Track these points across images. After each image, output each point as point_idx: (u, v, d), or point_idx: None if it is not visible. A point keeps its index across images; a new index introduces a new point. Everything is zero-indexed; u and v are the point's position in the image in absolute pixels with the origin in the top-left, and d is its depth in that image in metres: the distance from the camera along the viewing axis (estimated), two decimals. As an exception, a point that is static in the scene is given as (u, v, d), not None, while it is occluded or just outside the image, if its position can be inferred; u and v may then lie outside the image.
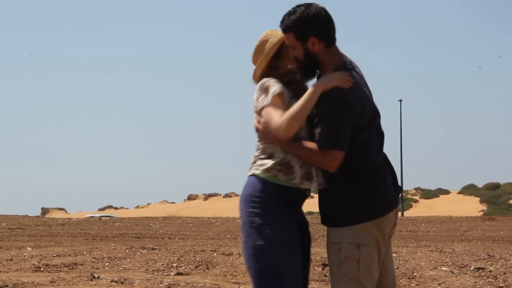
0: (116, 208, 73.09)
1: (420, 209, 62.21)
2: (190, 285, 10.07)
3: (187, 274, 11.57)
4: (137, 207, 76.48)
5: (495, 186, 74.02)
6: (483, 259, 14.03)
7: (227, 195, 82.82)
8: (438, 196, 72.13)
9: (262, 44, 4.71)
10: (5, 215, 34.93)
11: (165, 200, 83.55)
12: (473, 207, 59.50)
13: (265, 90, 4.52)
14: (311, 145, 4.39)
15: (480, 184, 75.76)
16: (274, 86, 4.51)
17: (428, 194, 73.82)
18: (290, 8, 4.59)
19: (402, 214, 43.87)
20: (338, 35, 4.58)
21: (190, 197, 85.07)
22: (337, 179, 4.44)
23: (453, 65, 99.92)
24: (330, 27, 4.55)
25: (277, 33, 4.73)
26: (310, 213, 45.51)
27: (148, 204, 78.83)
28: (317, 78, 4.61)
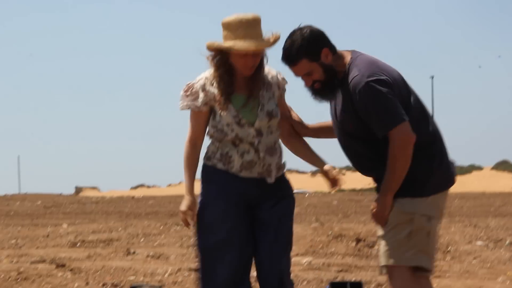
0: (148, 187, 73.50)
1: (454, 185, 61.85)
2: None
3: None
4: (169, 185, 76.80)
5: (529, 162, 73.43)
6: (518, 233, 14.02)
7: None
8: (471, 173, 71.61)
9: (247, 22, 4.71)
10: (40, 193, 35.33)
11: (197, 179, 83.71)
12: (507, 183, 59.01)
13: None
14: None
15: (514, 160, 75.16)
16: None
17: (461, 170, 73.26)
18: (284, 43, 4.60)
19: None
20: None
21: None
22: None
23: (485, 40, 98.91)
24: (326, 35, 4.61)
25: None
26: (353, 190, 45.54)
27: (180, 182, 79.19)
28: (335, 89, 4.62)
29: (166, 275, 8.31)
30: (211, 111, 4.76)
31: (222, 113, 4.71)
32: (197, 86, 4.74)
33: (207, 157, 4.78)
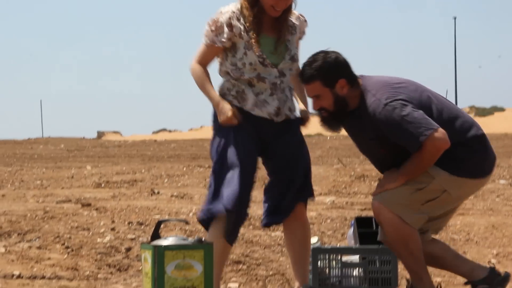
0: (170, 131, 73.73)
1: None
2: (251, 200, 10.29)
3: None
4: (191, 129, 76.99)
5: (552, 102, 73.04)
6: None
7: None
8: (493, 114, 71.17)
9: None
10: (63, 137, 35.56)
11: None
12: (530, 124, 58.68)
13: None
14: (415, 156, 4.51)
15: (536, 100, 74.78)
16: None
17: (483, 112, 72.87)
18: (306, 59, 4.67)
19: (457, 132, 43.60)
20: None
21: None
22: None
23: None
24: (351, 67, 4.67)
25: None
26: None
27: (201, 126, 79.32)
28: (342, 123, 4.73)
29: (191, 214, 8.44)
30: (231, 47, 4.80)
31: (247, 52, 4.75)
32: (222, 20, 4.77)
33: (221, 94, 4.84)
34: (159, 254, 4.30)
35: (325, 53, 4.65)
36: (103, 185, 12.22)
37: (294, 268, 4.94)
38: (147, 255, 4.39)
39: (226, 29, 4.76)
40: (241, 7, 4.79)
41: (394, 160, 4.62)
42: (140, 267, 6.04)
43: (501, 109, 73.87)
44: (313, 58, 4.65)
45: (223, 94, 4.84)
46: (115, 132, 69.19)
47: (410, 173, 4.54)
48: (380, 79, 4.66)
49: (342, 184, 12.57)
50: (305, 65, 4.67)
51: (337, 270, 5.38)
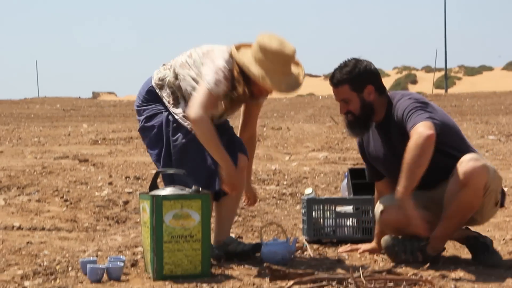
0: (164, 91, 73.65)
1: (464, 86, 61.61)
2: (243, 155, 10.40)
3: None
4: (185, 90, 76.98)
5: (542, 62, 73.22)
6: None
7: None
8: (482, 73, 71.28)
9: (286, 57, 4.78)
10: (58, 97, 35.55)
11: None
12: (517, 83, 58.79)
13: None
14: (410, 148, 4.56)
15: (524, 60, 74.94)
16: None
17: (472, 71, 72.99)
18: (338, 65, 4.81)
19: (446, 91, 43.68)
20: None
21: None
22: None
23: None
24: (380, 77, 4.84)
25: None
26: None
27: (195, 87, 79.29)
28: (366, 129, 4.86)
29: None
30: None
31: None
32: (228, 75, 4.79)
33: (160, 84, 4.92)
34: (157, 204, 4.41)
35: (356, 60, 4.83)
36: (99, 142, 12.31)
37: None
38: (146, 205, 4.51)
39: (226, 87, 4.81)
40: (233, 71, 4.80)
41: (436, 167, 4.72)
42: (138, 219, 6.17)
43: (490, 68, 73.95)
44: (344, 63, 4.83)
45: (161, 85, 4.90)
46: (110, 93, 69.17)
47: (407, 177, 4.56)
48: (409, 93, 4.87)
49: (335, 140, 12.70)
50: (336, 69, 4.84)
51: (331, 220, 5.53)
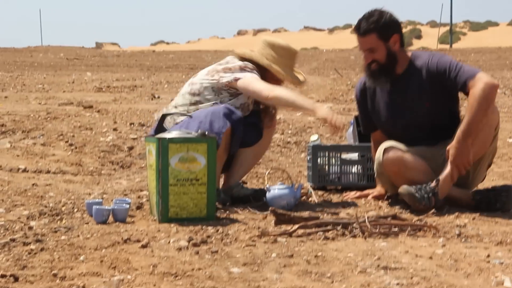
0: (167, 43, 73.54)
1: (469, 41, 61.41)
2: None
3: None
4: (188, 42, 76.83)
5: (547, 17, 73.09)
6: (535, 82, 14.15)
7: (276, 30, 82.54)
8: (487, 29, 70.99)
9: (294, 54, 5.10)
10: (62, 46, 35.44)
11: (215, 36, 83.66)
12: (524, 39, 58.59)
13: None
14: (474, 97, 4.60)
15: (532, 15, 74.79)
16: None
17: (477, 26, 72.68)
18: (362, 15, 4.87)
19: (451, 46, 43.52)
20: None
21: (240, 33, 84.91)
22: None
23: None
24: (401, 27, 4.91)
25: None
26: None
27: (198, 39, 79.13)
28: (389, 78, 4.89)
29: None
30: None
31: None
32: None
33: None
34: (163, 147, 4.41)
35: (381, 10, 4.89)
36: (104, 89, 12.30)
37: None
38: (152, 148, 4.51)
39: None
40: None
41: (433, 120, 4.74)
42: (143, 164, 6.19)
43: (495, 24, 73.67)
44: (369, 13, 4.89)
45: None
46: (113, 44, 69.09)
47: (471, 127, 4.62)
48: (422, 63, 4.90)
49: (339, 92, 12.68)
50: (361, 19, 4.89)
51: (336, 167, 5.53)
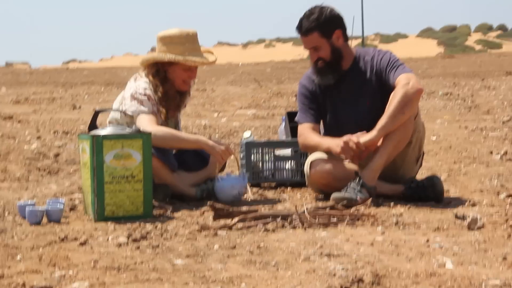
0: (80, 62, 72.74)
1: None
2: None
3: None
4: (101, 60, 76.13)
5: (452, 29, 75.09)
6: (449, 87, 14.46)
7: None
8: (397, 41, 72.48)
9: (192, 36, 4.95)
10: (-30, 65, 34.71)
11: (129, 52, 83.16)
12: (431, 49, 59.85)
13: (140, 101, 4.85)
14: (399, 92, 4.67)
15: (437, 27, 76.80)
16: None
17: (387, 39, 74.13)
18: (303, 14, 4.87)
19: (364, 59, 44.14)
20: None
21: (153, 49, 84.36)
22: None
23: None
24: (344, 21, 4.93)
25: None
26: (284, 60, 45.42)
27: (112, 56, 78.45)
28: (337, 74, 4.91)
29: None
30: None
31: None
32: (149, 93, 4.92)
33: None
34: (98, 144, 4.33)
35: (321, 6, 4.89)
36: (22, 101, 12.07)
37: None
38: (85, 145, 4.42)
39: (154, 101, 4.90)
40: (150, 83, 4.94)
41: (373, 117, 4.77)
42: (71, 170, 6.07)
43: (405, 36, 75.26)
44: (310, 11, 4.89)
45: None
46: (24, 63, 68.02)
47: (391, 123, 4.67)
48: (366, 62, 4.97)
49: (261, 99, 12.73)
50: (302, 18, 4.89)
51: (270, 164, 5.52)
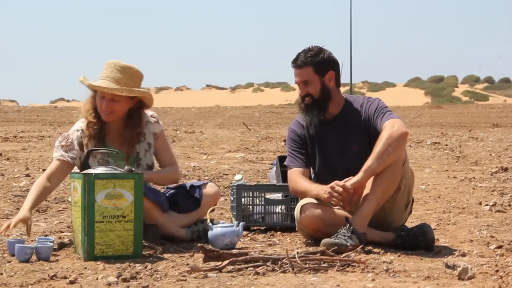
0: (68, 101, 72.76)
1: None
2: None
3: (155, 145, 11.84)
4: (89, 99, 76.21)
5: (439, 79, 75.67)
6: (437, 136, 14.53)
7: (178, 88, 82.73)
8: (385, 89, 72.92)
9: (115, 66, 4.79)
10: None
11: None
12: (419, 99, 60.27)
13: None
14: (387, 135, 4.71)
15: (424, 77, 77.31)
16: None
17: (375, 87, 74.59)
18: (302, 49, 4.97)
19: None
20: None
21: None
22: None
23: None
24: (340, 69, 5.03)
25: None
26: (272, 105, 45.55)
27: (99, 97, 78.64)
28: (322, 113, 4.95)
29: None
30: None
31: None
32: (73, 137, 4.86)
33: None
34: (89, 183, 4.31)
35: (320, 47, 4.99)
36: (10, 139, 12.04)
37: None
38: (77, 184, 4.40)
39: (76, 147, 4.85)
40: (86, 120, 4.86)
41: (362, 163, 4.78)
42: (60, 208, 6.05)
43: (392, 85, 75.78)
44: (309, 48, 4.99)
45: None
46: (12, 101, 67.94)
47: (378, 165, 4.69)
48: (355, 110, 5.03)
49: (250, 143, 12.76)
50: (300, 53, 4.97)
51: (260, 207, 5.51)
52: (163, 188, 5.31)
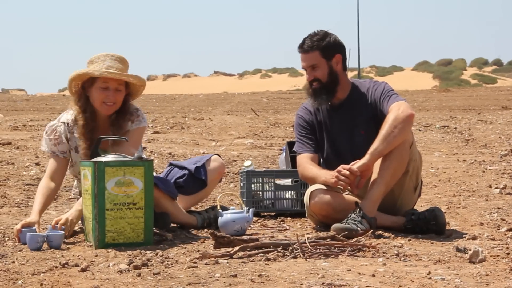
0: (75, 89, 72.84)
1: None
2: (169, 141, 10.35)
3: (164, 133, 11.86)
4: (97, 88, 76.33)
5: (447, 62, 75.54)
6: (446, 120, 14.51)
7: (186, 75, 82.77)
8: (393, 73, 72.85)
9: (114, 57, 4.75)
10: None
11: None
12: (427, 83, 60.22)
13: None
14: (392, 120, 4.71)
15: (433, 61, 77.20)
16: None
17: (383, 71, 74.52)
18: (308, 34, 4.97)
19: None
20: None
21: (149, 78, 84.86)
22: None
23: None
24: (346, 52, 5.02)
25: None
26: (280, 90, 45.53)
27: (107, 85, 78.72)
28: (330, 97, 4.96)
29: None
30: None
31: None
32: (60, 131, 4.86)
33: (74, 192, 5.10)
34: (99, 171, 4.32)
35: (326, 31, 4.99)
36: (20, 128, 12.07)
37: None
38: (87, 172, 4.42)
39: (64, 141, 4.88)
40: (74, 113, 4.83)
41: (369, 147, 4.78)
42: (70, 196, 6.06)
43: (400, 69, 75.67)
44: (315, 32, 4.98)
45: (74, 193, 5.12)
46: (20, 90, 68.08)
47: (385, 147, 4.70)
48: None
49: (259, 129, 12.75)
50: (306, 37, 4.96)
51: (270, 193, 5.52)
52: (166, 167, 5.33)
